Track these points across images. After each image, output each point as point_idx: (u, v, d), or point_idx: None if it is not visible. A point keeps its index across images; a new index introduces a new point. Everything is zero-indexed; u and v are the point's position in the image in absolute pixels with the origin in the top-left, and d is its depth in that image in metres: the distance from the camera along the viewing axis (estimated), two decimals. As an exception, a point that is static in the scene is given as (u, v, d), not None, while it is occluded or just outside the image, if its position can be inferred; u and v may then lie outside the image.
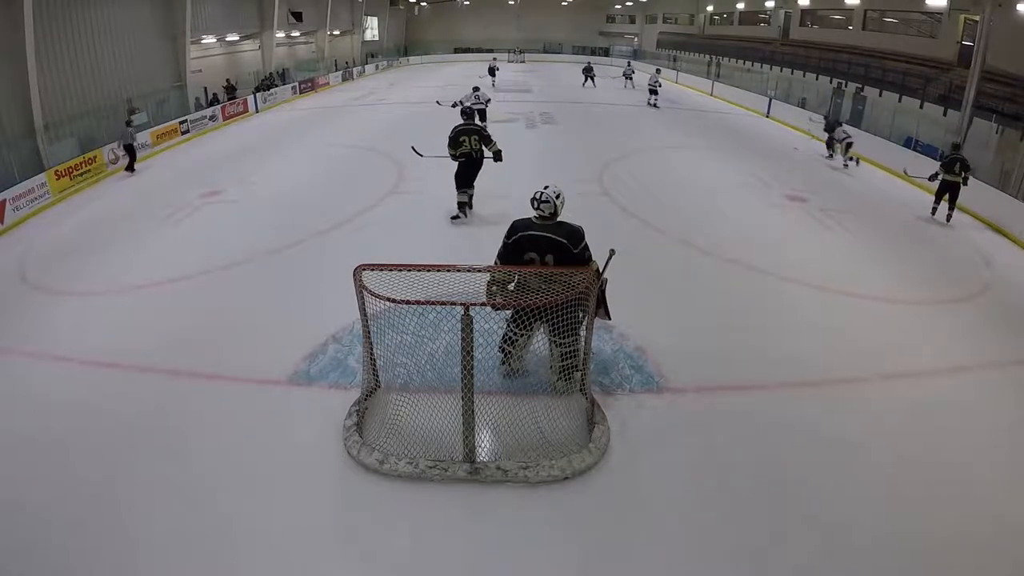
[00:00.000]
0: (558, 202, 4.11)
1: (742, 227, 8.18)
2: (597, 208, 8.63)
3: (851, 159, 12.19)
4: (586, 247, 4.03)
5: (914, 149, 11.80)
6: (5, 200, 8.76)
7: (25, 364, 5.05)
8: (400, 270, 3.70)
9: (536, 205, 4.10)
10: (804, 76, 19.12)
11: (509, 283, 4.04)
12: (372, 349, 4.12)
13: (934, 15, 15.58)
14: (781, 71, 20.67)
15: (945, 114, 12.49)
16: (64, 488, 3.65)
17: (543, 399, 4.14)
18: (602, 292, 4.14)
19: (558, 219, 4.14)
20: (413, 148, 9.31)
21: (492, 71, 24.46)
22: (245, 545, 3.28)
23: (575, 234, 4.02)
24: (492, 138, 7.88)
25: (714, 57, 25.59)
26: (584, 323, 4.01)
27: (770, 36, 24.70)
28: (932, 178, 8.96)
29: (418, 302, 3.54)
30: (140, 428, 4.17)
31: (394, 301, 3.54)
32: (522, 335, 4.26)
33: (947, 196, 8.75)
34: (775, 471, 3.81)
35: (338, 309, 5.27)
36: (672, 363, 4.87)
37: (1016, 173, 9.65)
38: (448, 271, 3.74)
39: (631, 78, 24.60)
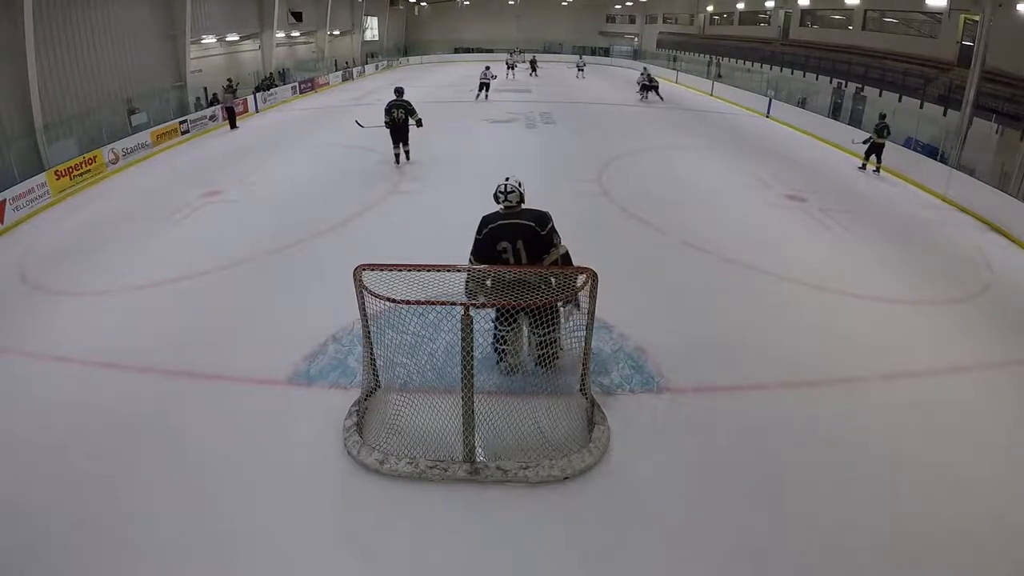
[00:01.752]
0: (521, 190, 4.30)
1: (742, 227, 8.17)
2: (597, 208, 8.63)
3: (645, 96, 20.56)
4: (553, 230, 4.24)
5: (914, 149, 11.80)
6: (5, 200, 8.75)
7: (25, 364, 5.05)
8: (400, 270, 3.70)
9: (503, 198, 4.27)
10: (804, 76, 19.12)
11: (486, 279, 4.08)
12: (372, 349, 4.12)
13: (934, 15, 15.56)
14: (781, 71, 20.67)
15: (945, 114, 12.48)
16: (64, 488, 3.65)
17: (543, 399, 4.14)
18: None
19: (523, 206, 4.32)
20: (357, 122, 12.35)
21: (511, 66, 29.03)
22: (245, 545, 3.28)
23: (541, 218, 4.24)
24: (416, 111, 10.71)
25: (714, 57, 25.58)
26: (562, 315, 4.24)
27: (770, 36, 24.67)
28: (866, 142, 11.76)
29: (418, 302, 3.55)
30: (140, 428, 4.18)
31: (394, 301, 3.54)
32: (511, 331, 4.34)
33: (875, 155, 11.61)
34: (775, 471, 3.81)
35: (338, 309, 5.27)
36: (672, 363, 4.88)
37: (1016, 173, 9.64)
38: (448, 271, 3.74)
39: (582, 70, 28.41)
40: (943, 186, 10.22)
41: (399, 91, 10.89)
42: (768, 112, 18.00)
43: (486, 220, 4.28)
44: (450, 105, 18.97)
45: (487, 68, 20.74)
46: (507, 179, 4.29)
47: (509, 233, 4.19)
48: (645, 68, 23.62)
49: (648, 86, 20.54)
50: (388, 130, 10.83)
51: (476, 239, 4.27)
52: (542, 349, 4.28)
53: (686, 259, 7.10)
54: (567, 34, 39.97)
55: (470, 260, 4.28)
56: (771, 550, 3.27)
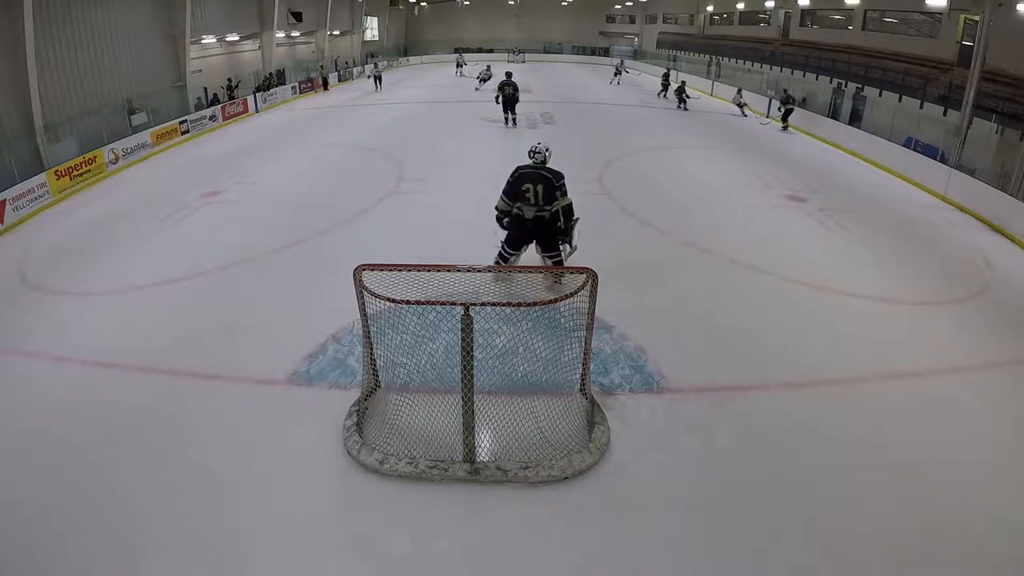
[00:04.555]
0: (547, 153, 5.78)
1: (742, 227, 8.17)
2: (597, 208, 8.62)
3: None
4: (563, 185, 5.61)
5: (914, 149, 11.79)
6: (5, 200, 8.76)
7: (25, 364, 5.05)
8: (400, 270, 3.70)
9: (532, 155, 5.75)
10: (804, 76, 19.11)
11: (509, 212, 5.71)
12: (372, 349, 4.12)
13: (934, 15, 15.56)
14: (781, 71, 20.66)
15: (945, 114, 12.47)
16: (64, 488, 3.66)
17: (543, 399, 4.14)
18: (571, 227, 5.82)
19: (547, 165, 5.74)
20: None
21: (460, 65, 29.36)
22: (245, 545, 3.28)
23: (557, 174, 5.63)
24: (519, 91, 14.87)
25: (714, 57, 25.56)
26: (564, 241, 5.84)
27: (770, 36, 24.65)
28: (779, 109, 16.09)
29: (418, 302, 3.55)
30: (140, 428, 4.18)
31: (394, 301, 3.55)
32: (513, 255, 5.92)
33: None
34: (775, 471, 3.81)
35: (338, 309, 5.27)
36: (672, 363, 4.88)
37: (1016, 173, 9.62)
38: (448, 271, 3.74)
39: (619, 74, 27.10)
40: (943, 186, 10.22)
41: (509, 74, 15.10)
42: (768, 112, 17.99)
43: (519, 168, 5.69)
44: (450, 105, 18.99)
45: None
46: (539, 143, 5.83)
47: (532, 178, 5.57)
48: (622, 61, 28.09)
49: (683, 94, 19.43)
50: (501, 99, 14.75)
51: (508, 181, 5.67)
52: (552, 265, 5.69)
53: (686, 259, 7.10)
54: (567, 34, 39.96)
55: (501, 197, 5.71)
56: (771, 550, 3.27)
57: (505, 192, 5.69)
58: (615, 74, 26.84)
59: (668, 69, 23.83)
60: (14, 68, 10.61)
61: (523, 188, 5.54)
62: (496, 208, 5.76)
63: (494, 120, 15.88)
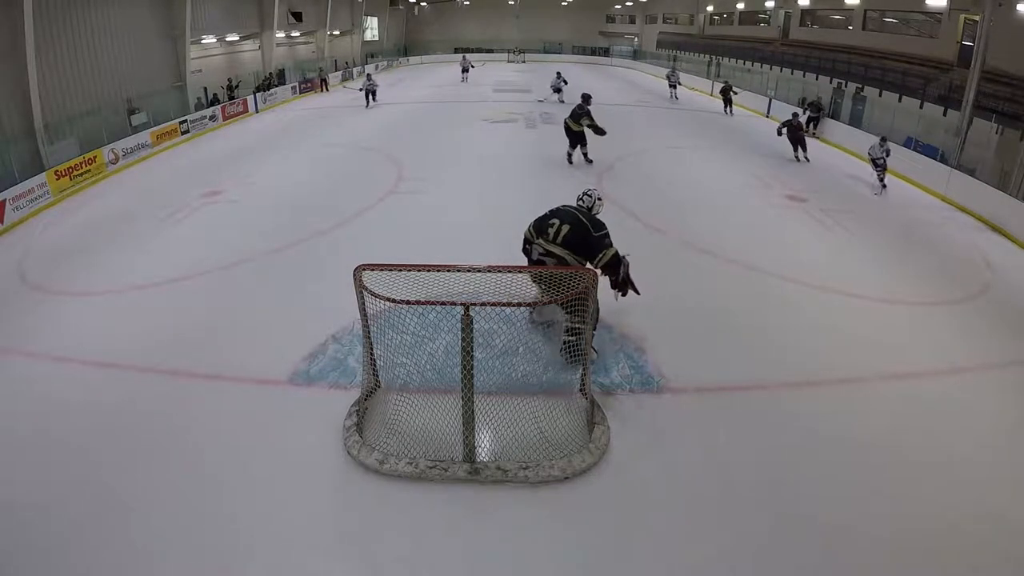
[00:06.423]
0: (598, 203, 5.06)
1: (742, 227, 8.18)
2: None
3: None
4: (605, 237, 4.68)
5: (914, 149, 11.79)
6: (5, 200, 8.75)
7: (25, 364, 5.05)
8: (400, 270, 3.71)
9: (580, 198, 5.04)
10: (804, 76, 19.10)
11: (533, 241, 4.83)
12: (372, 349, 4.13)
13: (934, 15, 15.56)
14: (781, 71, 20.65)
15: (945, 114, 12.47)
16: (64, 488, 3.66)
17: (543, 399, 4.15)
18: (622, 277, 4.75)
19: (593, 213, 4.94)
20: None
21: (465, 69, 26.31)
22: (245, 545, 3.28)
23: (598, 223, 4.76)
24: (588, 119, 10.73)
25: (714, 57, 25.56)
26: (591, 312, 4.19)
27: (770, 36, 24.66)
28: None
29: (418, 302, 3.55)
30: (140, 428, 4.18)
31: (394, 301, 3.55)
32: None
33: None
34: (775, 471, 3.81)
35: (338, 309, 5.27)
36: (672, 363, 4.88)
37: (1016, 173, 9.62)
38: (448, 271, 3.75)
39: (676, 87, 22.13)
40: (943, 186, 10.23)
41: (585, 97, 11.14)
42: (768, 112, 18.00)
43: (561, 206, 4.96)
44: (450, 105, 19.00)
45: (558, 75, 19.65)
46: (592, 188, 5.18)
47: (563, 216, 4.76)
48: (674, 68, 23.35)
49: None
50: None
51: (544, 213, 4.90)
52: (568, 335, 4.49)
53: (687, 259, 7.10)
54: (567, 34, 39.96)
55: (529, 226, 4.89)
56: (771, 550, 3.27)
57: (534, 222, 4.91)
58: (671, 86, 21.40)
59: (727, 81, 19.36)
60: (14, 68, 10.61)
61: (550, 223, 4.73)
62: (524, 236, 4.96)
63: (495, 120, 15.88)
